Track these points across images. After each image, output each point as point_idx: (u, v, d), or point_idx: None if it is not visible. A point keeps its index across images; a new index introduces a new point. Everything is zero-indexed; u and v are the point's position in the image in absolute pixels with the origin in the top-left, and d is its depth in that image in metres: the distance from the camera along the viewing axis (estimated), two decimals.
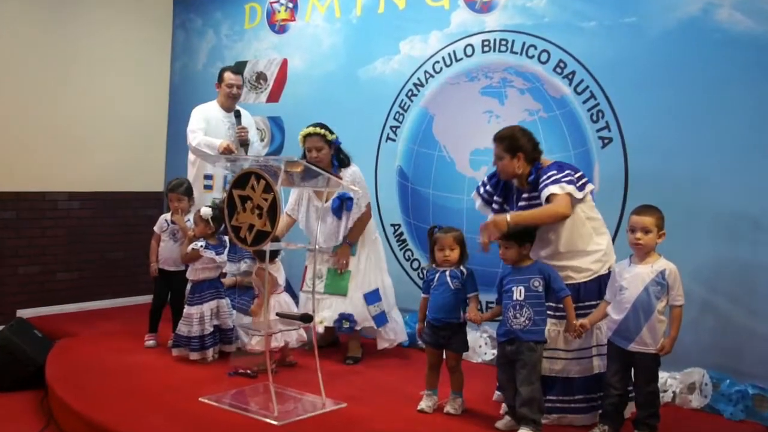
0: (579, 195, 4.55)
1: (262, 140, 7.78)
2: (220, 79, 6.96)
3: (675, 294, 4.20)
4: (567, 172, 4.59)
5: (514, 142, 4.68)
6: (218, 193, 6.73)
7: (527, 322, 4.41)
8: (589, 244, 4.65)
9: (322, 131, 5.79)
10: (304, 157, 5.90)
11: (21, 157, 7.53)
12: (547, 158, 4.79)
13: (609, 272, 4.57)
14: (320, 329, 6.05)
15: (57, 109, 7.78)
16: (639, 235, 4.27)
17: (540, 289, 4.45)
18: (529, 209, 4.59)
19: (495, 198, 4.94)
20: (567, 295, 4.48)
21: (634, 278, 4.26)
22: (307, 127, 5.86)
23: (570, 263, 4.64)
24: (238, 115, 6.87)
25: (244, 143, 6.77)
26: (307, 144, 5.86)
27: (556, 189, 4.48)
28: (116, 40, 8.27)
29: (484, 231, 4.51)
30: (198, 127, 6.75)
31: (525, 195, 4.71)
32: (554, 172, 4.55)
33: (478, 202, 5.05)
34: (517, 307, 4.43)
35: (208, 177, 6.93)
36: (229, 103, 6.93)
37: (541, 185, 4.55)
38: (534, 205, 4.59)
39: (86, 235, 8.11)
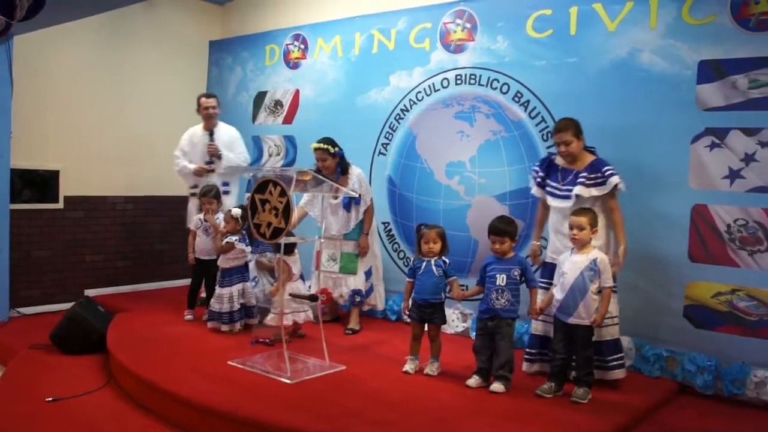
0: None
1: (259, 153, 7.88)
2: (198, 105, 6.92)
3: (605, 278, 4.28)
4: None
5: (578, 127, 4.74)
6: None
7: (506, 303, 4.52)
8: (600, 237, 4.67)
9: (326, 146, 5.84)
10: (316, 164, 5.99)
11: (89, 168, 7.56)
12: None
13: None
14: (341, 301, 6.20)
15: (116, 131, 7.79)
16: (575, 231, 4.35)
17: (518, 277, 4.56)
18: (591, 186, 4.63)
19: (540, 175, 4.96)
20: (535, 286, 4.63)
21: (573, 265, 4.34)
22: (316, 141, 5.91)
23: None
24: (211, 133, 6.81)
25: (214, 155, 6.74)
26: (315, 156, 5.92)
27: (618, 180, 4.60)
28: (163, 75, 8.28)
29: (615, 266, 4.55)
30: (180, 153, 6.92)
31: (584, 174, 4.69)
32: (610, 167, 4.64)
33: (535, 188, 5.02)
34: (500, 291, 4.53)
35: (194, 187, 6.83)
36: (208, 124, 6.86)
37: (607, 173, 4.62)
38: (597, 184, 4.63)
39: (138, 231, 8.12)
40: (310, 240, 5.83)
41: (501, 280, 4.54)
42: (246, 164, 7.03)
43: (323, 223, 6.06)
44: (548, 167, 4.96)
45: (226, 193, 6.79)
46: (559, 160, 4.91)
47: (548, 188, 4.89)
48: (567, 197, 4.73)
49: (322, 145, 5.86)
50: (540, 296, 4.68)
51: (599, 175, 4.64)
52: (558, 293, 4.40)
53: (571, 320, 4.32)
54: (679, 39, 5.00)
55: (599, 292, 4.35)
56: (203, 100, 6.86)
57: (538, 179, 4.97)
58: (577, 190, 4.66)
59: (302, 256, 5.85)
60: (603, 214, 4.67)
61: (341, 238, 6.07)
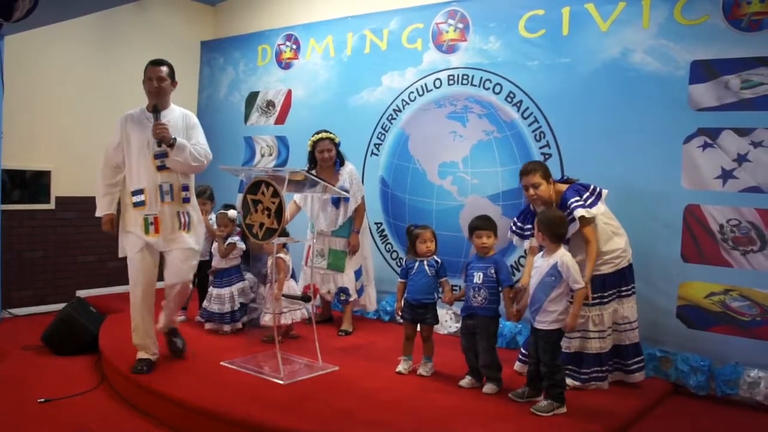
0: (602, 210, 4.54)
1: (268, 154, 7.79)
2: (144, 77, 5.03)
3: (571, 280, 4.08)
4: (586, 195, 4.52)
5: (546, 170, 4.60)
6: (155, 209, 4.68)
7: (483, 301, 4.49)
8: (607, 245, 4.56)
9: (332, 135, 5.87)
10: (310, 157, 5.97)
11: (81, 169, 7.47)
12: (557, 183, 4.71)
13: (629, 265, 4.63)
14: (328, 297, 6.12)
15: (108, 131, 7.51)
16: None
17: (493, 276, 4.51)
18: None
19: (526, 227, 4.81)
20: (507, 285, 4.53)
21: (537, 270, 4.22)
22: (318, 132, 5.91)
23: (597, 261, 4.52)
24: (156, 110, 4.75)
25: (164, 139, 4.63)
26: (319, 147, 5.86)
27: (584, 212, 4.41)
28: None
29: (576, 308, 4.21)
30: (108, 150, 4.93)
31: None
32: (576, 198, 4.47)
33: (515, 239, 4.92)
34: (477, 289, 4.51)
35: (137, 192, 4.74)
36: (153, 101, 4.83)
37: (572, 207, 4.45)
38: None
39: None
40: (301, 241, 5.82)
41: (478, 278, 4.52)
42: (204, 159, 4.86)
43: (314, 219, 6.03)
44: (526, 216, 4.84)
45: (187, 200, 4.86)
46: (534, 207, 4.77)
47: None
48: None
49: (330, 135, 5.88)
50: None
51: (568, 213, 4.48)
52: (528, 296, 4.32)
53: (536, 324, 4.20)
54: (672, 39, 5.00)
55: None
56: (147, 68, 5.01)
57: (519, 231, 4.87)
58: None
59: (291, 253, 5.83)
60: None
61: (329, 234, 6.05)
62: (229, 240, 5.84)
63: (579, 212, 4.43)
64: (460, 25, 6.23)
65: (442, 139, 6.27)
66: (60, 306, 6.23)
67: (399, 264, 6.46)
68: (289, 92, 7.71)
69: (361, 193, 6.04)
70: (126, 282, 7.80)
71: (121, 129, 4.86)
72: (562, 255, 4.15)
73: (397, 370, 4.81)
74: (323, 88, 7.36)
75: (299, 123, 7.47)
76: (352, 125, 6.90)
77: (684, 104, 4.94)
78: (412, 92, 6.55)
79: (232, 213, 5.88)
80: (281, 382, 4.46)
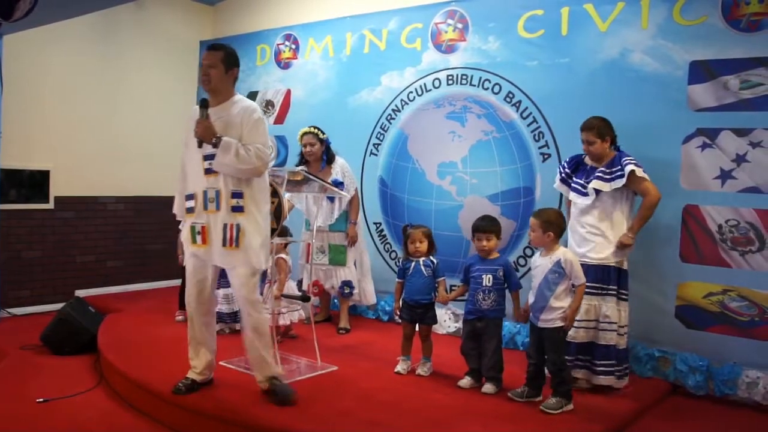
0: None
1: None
2: None
3: (574, 276, 4.14)
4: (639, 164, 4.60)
5: (604, 129, 4.67)
6: (202, 217, 4.12)
7: (493, 303, 4.51)
8: (616, 236, 4.61)
9: (315, 131, 5.94)
10: (301, 153, 6.04)
11: (80, 169, 7.51)
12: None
13: (617, 267, 4.62)
14: (332, 292, 6.19)
15: (107, 131, 7.75)
16: (529, 232, 4.34)
17: (502, 278, 4.54)
18: (608, 180, 4.58)
19: (566, 171, 4.94)
20: (517, 289, 4.56)
21: (538, 269, 4.25)
22: (305, 127, 6.00)
23: (597, 240, 4.61)
24: (204, 105, 4.10)
25: (203, 138, 4.01)
26: (303, 140, 5.98)
27: (635, 168, 4.49)
28: (153, 75, 8.23)
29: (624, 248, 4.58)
30: (183, 149, 4.34)
31: (602, 170, 4.65)
32: (632, 158, 4.56)
33: (557, 182, 5.00)
34: (486, 291, 4.51)
35: (189, 197, 4.24)
36: (207, 92, 4.28)
37: (624, 163, 4.54)
38: (615, 177, 4.55)
39: (129, 231, 8.07)
40: (299, 241, 5.81)
41: (487, 280, 4.53)
42: (256, 161, 4.01)
43: (310, 215, 6.06)
44: (576, 164, 4.92)
45: (238, 209, 4.06)
46: (587, 159, 4.85)
47: (573, 185, 4.84)
48: (586, 194, 4.69)
49: (312, 129, 5.95)
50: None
51: (618, 168, 4.58)
52: (530, 296, 4.33)
53: (540, 323, 4.22)
54: (671, 39, 5.00)
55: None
56: (203, 55, 4.40)
57: (563, 175, 4.96)
58: (594, 184, 4.63)
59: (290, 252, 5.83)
60: (626, 208, 4.66)
61: (326, 229, 6.07)
62: None
63: (630, 167, 4.51)
64: (459, 25, 6.23)
65: (441, 139, 6.26)
66: (59, 306, 6.21)
67: (398, 264, 6.45)
68: (288, 92, 7.70)
69: (354, 185, 6.10)
70: (125, 282, 7.90)
71: (186, 125, 4.22)
72: (564, 252, 4.21)
73: (395, 370, 4.81)
74: (322, 87, 7.35)
75: (298, 123, 7.39)
76: (351, 125, 6.91)
77: (683, 104, 4.94)
78: (411, 92, 6.54)
79: None
80: None
